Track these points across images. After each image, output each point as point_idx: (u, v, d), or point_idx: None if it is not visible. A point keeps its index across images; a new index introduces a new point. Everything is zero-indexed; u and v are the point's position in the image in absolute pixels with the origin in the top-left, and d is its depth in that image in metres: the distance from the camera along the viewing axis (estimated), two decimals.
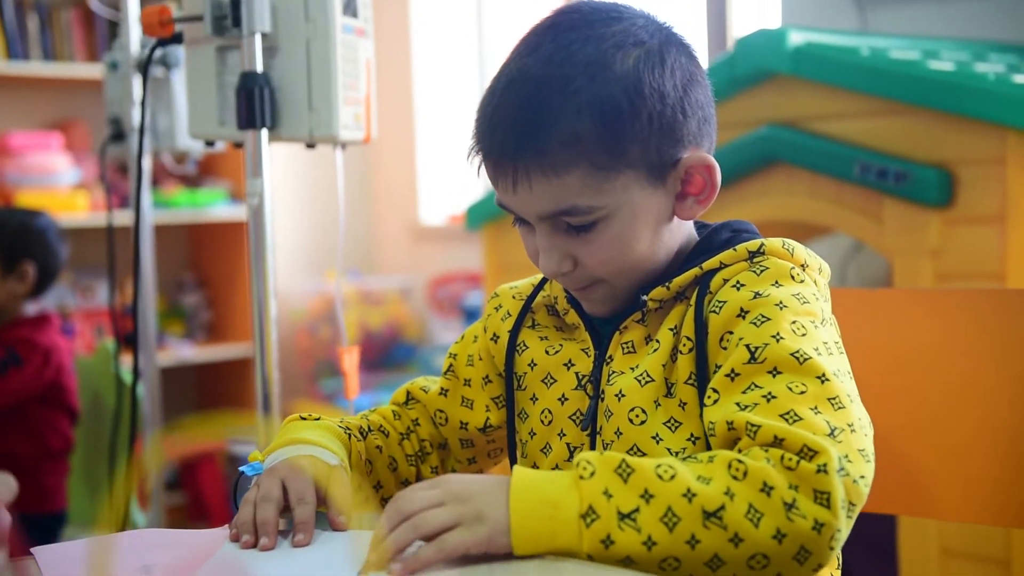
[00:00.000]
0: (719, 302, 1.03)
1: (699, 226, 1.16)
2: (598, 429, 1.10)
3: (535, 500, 0.89)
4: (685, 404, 1.04)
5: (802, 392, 0.94)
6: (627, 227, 1.05)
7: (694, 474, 0.89)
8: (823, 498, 0.87)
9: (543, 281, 1.21)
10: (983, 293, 1.28)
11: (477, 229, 2.76)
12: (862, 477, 0.91)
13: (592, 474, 0.89)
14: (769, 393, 0.94)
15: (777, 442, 0.90)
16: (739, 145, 2.17)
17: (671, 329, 1.06)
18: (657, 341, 1.07)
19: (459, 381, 1.24)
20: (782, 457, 0.89)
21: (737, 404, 0.95)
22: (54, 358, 2.36)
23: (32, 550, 0.99)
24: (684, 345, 1.05)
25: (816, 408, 0.93)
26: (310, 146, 1.65)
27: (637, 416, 1.06)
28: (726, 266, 1.06)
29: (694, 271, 1.07)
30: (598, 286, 1.09)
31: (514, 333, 1.19)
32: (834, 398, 0.94)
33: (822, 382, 0.95)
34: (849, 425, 0.93)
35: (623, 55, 1.02)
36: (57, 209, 3.35)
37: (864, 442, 0.94)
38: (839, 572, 1.13)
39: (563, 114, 1.01)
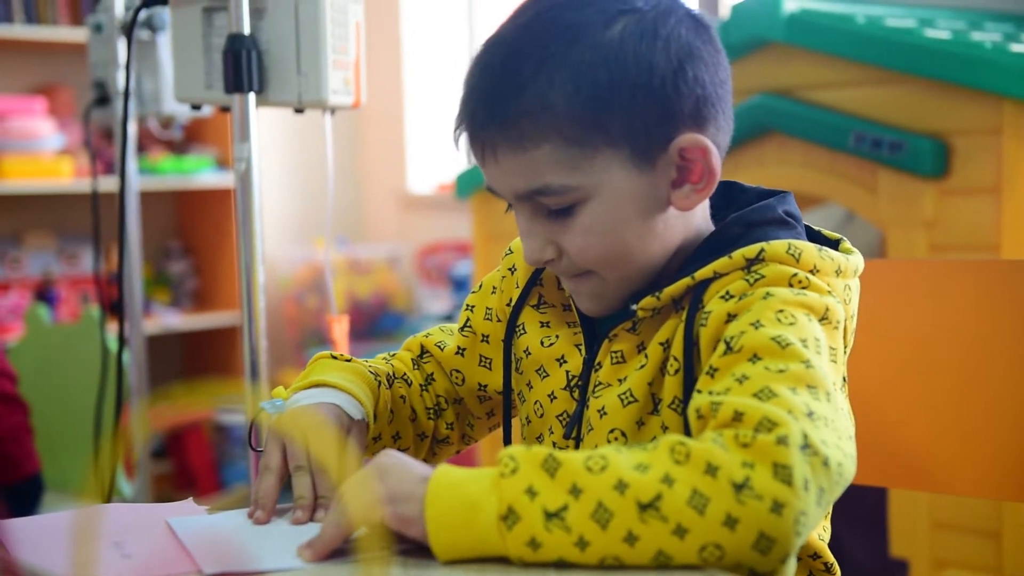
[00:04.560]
0: (706, 314, 0.93)
1: (724, 208, 1.05)
2: (581, 437, 1.04)
3: (452, 503, 0.81)
4: (667, 428, 0.97)
5: (781, 371, 0.85)
6: (610, 213, 0.96)
7: (631, 463, 0.80)
8: (784, 473, 0.78)
9: None
10: (978, 264, 1.27)
11: (467, 197, 2.74)
12: (839, 464, 0.82)
13: (514, 471, 0.81)
14: (743, 375, 0.86)
15: (736, 417, 0.82)
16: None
17: (661, 344, 0.98)
18: (646, 356, 0.99)
19: (476, 337, 1.17)
20: (736, 436, 0.80)
21: (710, 392, 0.87)
22: None
23: None
24: (671, 365, 0.96)
25: (795, 389, 0.84)
26: (299, 111, 1.62)
27: (616, 438, 0.99)
28: (720, 276, 0.95)
29: (686, 281, 0.96)
30: (587, 278, 1.00)
31: (515, 312, 1.12)
32: (815, 388, 0.85)
33: (806, 367, 0.86)
34: (827, 418, 0.84)
35: (609, 21, 0.93)
36: (41, 175, 3.33)
37: (847, 444, 0.85)
38: (828, 532, 1.09)
39: (533, 83, 0.92)
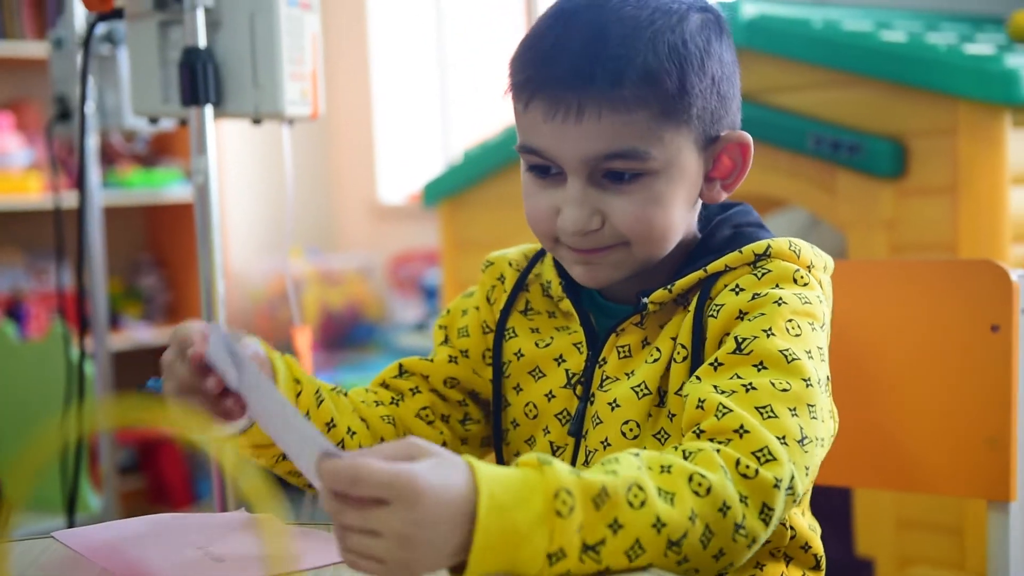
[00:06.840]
0: (717, 306, 0.99)
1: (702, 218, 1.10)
2: (583, 433, 1.06)
3: (502, 531, 0.76)
4: (674, 416, 1.00)
5: (784, 390, 0.92)
6: (669, 188, 1.00)
7: (656, 488, 0.82)
8: (767, 515, 0.85)
9: (537, 256, 1.15)
10: (935, 264, 1.28)
11: (434, 205, 2.74)
12: (801, 494, 0.90)
13: (571, 509, 0.78)
14: (750, 384, 0.92)
15: (740, 432, 0.87)
16: None
17: (672, 338, 1.02)
18: (657, 350, 1.02)
19: (456, 350, 1.16)
20: (737, 462, 0.85)
21: (715, 387, 0.92)
22: None
23: None
24: (679, 353, 1.01)
25: (795, 411, 0.91)
26: (256, 122, 1.62)
27: (631, 430, 1.02)
28: (731, 269, 1.02)
29: (698, 274, 1.02)
30: (616, 250, 1.02)
31: (504, 316, 1.13)
32: (813, 406, 0.92)
33: (807, 385, 0.93)
34: (819, 439, 0.92)
35: (691, 13, 1.01)
36: (10, 191, 3.31)
37: (816, 460, 0.93)
38: (817, 524, 1.10)
39: (642, 50, 0.97)
